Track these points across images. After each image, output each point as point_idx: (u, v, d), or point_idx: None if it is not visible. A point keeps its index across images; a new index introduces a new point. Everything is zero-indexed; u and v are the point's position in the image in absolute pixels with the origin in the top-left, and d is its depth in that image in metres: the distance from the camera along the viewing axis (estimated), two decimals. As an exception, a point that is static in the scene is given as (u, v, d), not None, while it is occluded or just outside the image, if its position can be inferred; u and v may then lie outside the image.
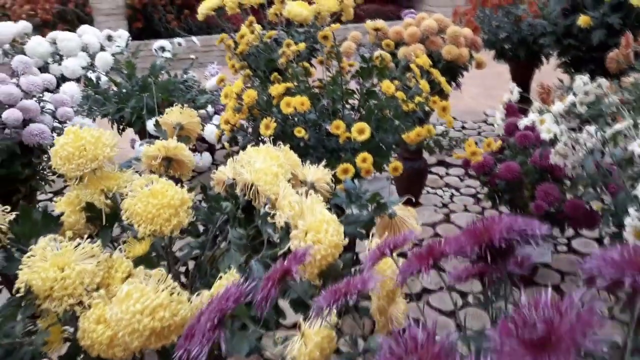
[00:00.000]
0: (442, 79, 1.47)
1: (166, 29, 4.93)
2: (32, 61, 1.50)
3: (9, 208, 0.81)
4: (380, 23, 2.16)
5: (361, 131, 1.22)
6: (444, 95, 1.73)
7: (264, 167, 0.88)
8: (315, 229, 0.70)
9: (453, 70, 2.08)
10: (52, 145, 1.47)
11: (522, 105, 1.68)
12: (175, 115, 1.15)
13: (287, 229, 0.77)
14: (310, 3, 2.18)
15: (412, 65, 1.47)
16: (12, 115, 1.32)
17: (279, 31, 2.25)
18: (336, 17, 2.22)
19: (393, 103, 1.40)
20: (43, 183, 1.50)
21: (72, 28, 4.54)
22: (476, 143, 1.39)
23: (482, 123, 3.40)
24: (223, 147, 2.46)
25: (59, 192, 2.22)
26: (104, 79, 2.06)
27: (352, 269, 0.85)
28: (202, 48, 4.27)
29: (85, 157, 0.81)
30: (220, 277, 0.74)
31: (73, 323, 0.69)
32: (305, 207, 0.73)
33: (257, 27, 2.00)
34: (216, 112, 2.28)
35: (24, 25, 2.40)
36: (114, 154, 0.85)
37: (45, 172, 1.50)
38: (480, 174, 1.70)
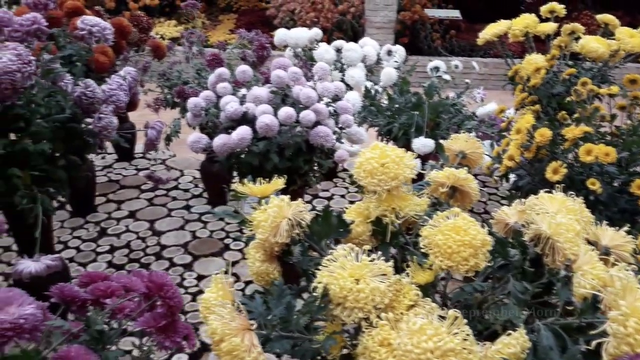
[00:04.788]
0: None
1: (429, 47, 5.01)
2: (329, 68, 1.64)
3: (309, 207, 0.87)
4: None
5: (675, 199, 1.03)
6: None
7: (566, 222, 0.79)
8: (639, 316, 0.59)
9: None
10: (330, 148, 1.60)
11: None
12: (460, 142, 1.12)
13: (594, 301, 0.67)
14: (604, 36, 1.97)
15: None
16: (307, 116, 1.46)
17: (558, 64, 2.08)
18: (634, 57, 1.97)
19: None
20: (315, 180, 1.63)
21: (346, 37, 4.93)
22: None
23: None
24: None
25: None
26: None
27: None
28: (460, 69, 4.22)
29: (387, 175, 0.83)
30: (507, 332, 0.68)
31: (354, 336, 0.71)
32: (627, 286, 0.63)
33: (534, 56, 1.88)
34: (476, 139, 2.20)
35: (315, 32, 2.66)
36: (413, 176, 0.85)
37: (317, 171, 1.64)
38: None
